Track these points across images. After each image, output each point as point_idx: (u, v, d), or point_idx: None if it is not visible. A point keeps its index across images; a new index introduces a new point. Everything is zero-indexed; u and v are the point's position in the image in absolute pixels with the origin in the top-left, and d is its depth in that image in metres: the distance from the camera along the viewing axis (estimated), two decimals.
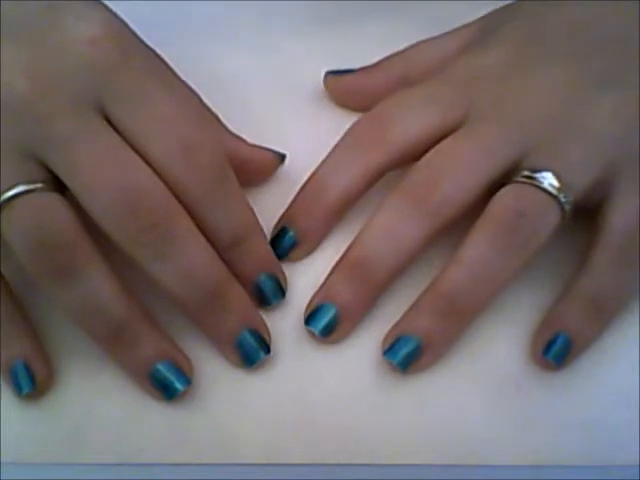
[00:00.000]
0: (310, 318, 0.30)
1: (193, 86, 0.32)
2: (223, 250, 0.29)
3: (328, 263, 0.31)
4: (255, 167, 0.33)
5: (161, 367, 0.28)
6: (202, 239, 0.28)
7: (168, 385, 0.28)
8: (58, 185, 0.27)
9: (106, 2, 0.29)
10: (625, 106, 0.30)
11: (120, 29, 0.29)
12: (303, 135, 0.35)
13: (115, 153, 0.27)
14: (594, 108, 0.30)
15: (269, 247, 0.31)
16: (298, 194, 0.32)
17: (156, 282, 0.28)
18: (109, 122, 0.28)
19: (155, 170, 0.27)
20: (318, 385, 0.29)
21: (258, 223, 0.30)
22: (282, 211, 0.32)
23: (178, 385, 0.28)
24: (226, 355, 0.29)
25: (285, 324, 0.30)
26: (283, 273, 0.31)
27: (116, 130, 0.28)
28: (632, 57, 0.31)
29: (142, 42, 0.30)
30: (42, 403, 0.29)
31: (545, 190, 0.28)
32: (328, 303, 0.29)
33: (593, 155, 0.29)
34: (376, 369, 0.29)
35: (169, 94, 0.28)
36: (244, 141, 0.33)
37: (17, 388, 0.28)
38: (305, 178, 0.32)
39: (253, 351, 0.29)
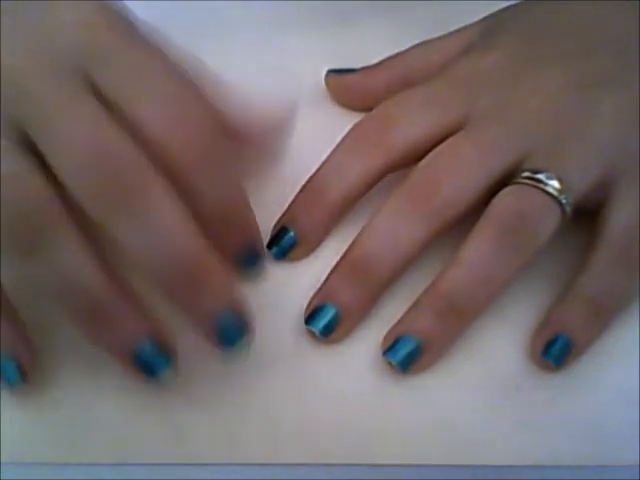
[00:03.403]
0: (310, 318, 0.30)
1: None
2: (209, 222, 0.27)
3: (328, 263, 0.31)
4: (264, 128, 0.31)
5: (142, 346, 0.26)
6: (181, 207, 0.26)
7: (151, 365, 0.27)
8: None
9: None
10: (626, 107, 0.30)
11: (113, 5, 0.28)
12: (303, 135, 0.35)
13: (91, 113, 0.25)
14: (595, 109, 0.30)
15: (254, 219, 0.29)
16: (298, 194, 0.32)
17: (129, 254, 0.25)
18: (97, 91, 0.26)
19: (145, 137, 0.26)
20: (318, 385, 0.29)
21: (244, 192, 0.28)
22: (282, 211, 0.32)
23: (162, 365, 0.27)
24: (204, 334, 0.27)
25: (285, 324, 0.30)
26: (262, 246, 0.30)
27: (104, 99, 0.26)
28: (633, 58, 0.31)
29: (139, 30, 0.29)
30: (42, 403, 0.29)
31: (546, 192, 0.29)
32: (328, 303, 0.29)
33: (594, 157, 0.29)
34: (376, 369, 0.29)
35: (155, 59, 0.27)
36: (251, 99, 0.30)
37: (4, 380, 0.28)
38: (305, 178, 0.32)
39: (232, 332, 0.27)
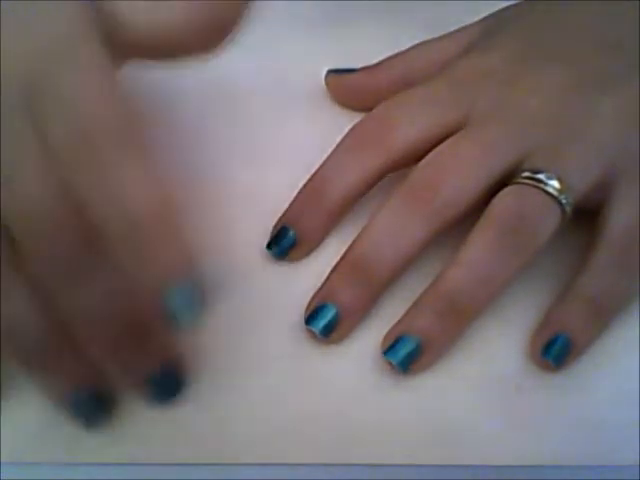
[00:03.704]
0: (310, 318, 0.30)
1: (193, 86, 0.31)
2: (115, 246, 0.23)
3: (328, 263, 0.31)
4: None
5: (80, 398, 0.27)
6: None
7: (88, 415, 0.27)
8: None
9: None
10: (626, 107, 0.30)
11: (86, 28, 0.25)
12: (303, 135, 0.35)
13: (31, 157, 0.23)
14: (595, 109, 0.30)
15: (183, 243, 0.24)
16: (298, 194, 0.32)
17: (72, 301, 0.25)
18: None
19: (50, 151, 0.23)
20: (318, 385, 0.29)
21: (169, 203, 0.23)
22: (282, 211, 0.32)
23: (98, 416, 0.27)
24: (136, 395, 0.27)
25: (285, 324, 0.30)
26: (199, 278, 0.24)
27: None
28: (633, 58, 0.31)
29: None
30: (42, 403, 0.29)
31: (546, 192, 0.29)
32: (328, 303, 0.29)
33: (594, 157, 0.29)
34: (376, 369, 0.29)
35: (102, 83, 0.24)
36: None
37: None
38: (305, 178, 0.32)
39: (164, 392, 0.27)
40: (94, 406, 0.27)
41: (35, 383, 0.27)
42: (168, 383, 0.28)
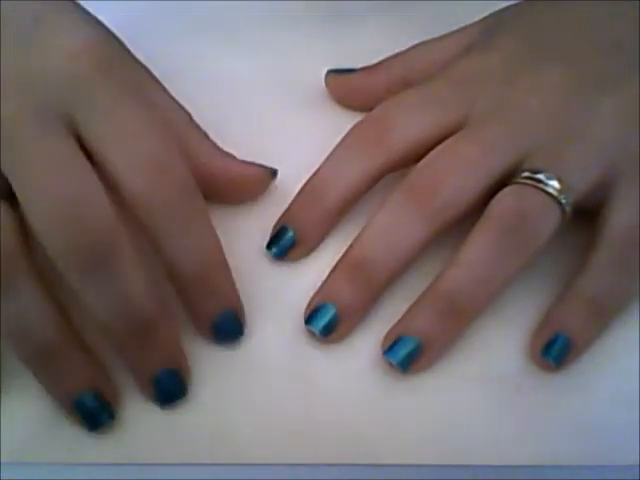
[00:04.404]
0: (310, 318, 0.30)
1: (193, 86, 0.32)
2: (181, 281, 0.28)
3: (328, 263, 0.31)
4: (246, 185, 0.32)
5: (85, 398, 0.27)
6: (140, 268, 0.26)
7: (90, 417, 0.27)
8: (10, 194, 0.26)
9: (106, 3, 0.29)
10: (626, 107, 0.30)
11: (103, 45, 0.28)
12: (303, 135, 0.35)
13: (67, 162, 0.26)
14: (595, 109, 0.30)
15: (232, 281, 0.29)
16: (298, 194, 0.32)
17: (84, 305, 0.27)
18: (78, 139, 0.27)
19: (116, 186, 0.27)
20: (318, 385, 0.29)
21: (222, 253, 0.29)
22: (282, 211, 0.32)
23: (101, 418, 0.28)
24: (141, 391, 0.28)
25: (285, 324, 0.30)
26: (242, 309, 0.29)
27: (84, 147, 0.27)
28: (633, 58, 0.31)
29: (128, 57, 0.30)
30: (42, 403, 0.29)
31: (546, 192, 0.28)
32: (328, 303, 0.29)
33: (594, 157, 0.29)
34: (376, 369, 0.29)
35: (141, 111, 0.28)
36: (234, 158, 0.32)
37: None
38: (305, 178, 0.32)
39: (169, 392, 0.28)
40: (98, 407, 0.27)
41: (40, 382, 0.28)
42: (174, 383, 0.28)
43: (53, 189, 0.26)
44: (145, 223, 0.27)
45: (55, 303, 0.27)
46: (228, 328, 0.29)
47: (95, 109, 0.27)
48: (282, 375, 0.29)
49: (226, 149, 0.31)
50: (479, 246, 0.29)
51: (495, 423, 0.29)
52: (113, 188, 0.27)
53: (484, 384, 0.29)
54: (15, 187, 0.26)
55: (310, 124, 0.35)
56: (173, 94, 0.31)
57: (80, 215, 0.26)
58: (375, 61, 0.35)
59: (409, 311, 0.29)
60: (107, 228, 0.26)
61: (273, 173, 0.32)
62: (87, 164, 0.26)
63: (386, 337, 0.29)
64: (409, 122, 0.31)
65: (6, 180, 0.26)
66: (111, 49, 0.29)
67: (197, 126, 0.31)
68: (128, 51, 0.30)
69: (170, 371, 0.28)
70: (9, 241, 0.26)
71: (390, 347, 0.29)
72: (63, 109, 0.27)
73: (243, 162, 0.32)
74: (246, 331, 0.30)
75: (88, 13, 0.29)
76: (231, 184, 0.31)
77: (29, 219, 0.26)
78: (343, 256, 0.30)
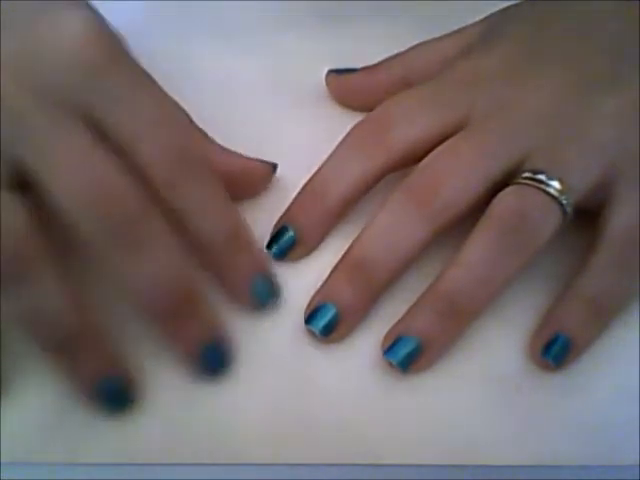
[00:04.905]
0: (310, 318, 0.30)
1: (193, 86, 0.32)
2: (214, 253, 0.29)
3: (328, 263, 0.31)
4: (247, 180, 0.32)
5: (105, 383, 0.28)
6: (174, 243, 0.27)
7: (111, 402, 0.28)
8: (24, 186, 0.27)
9: (106, 3, 0.29)
10: (626, 108, 0.30)
11: (109, 34, 0.28)
12: (304, 135, 0.35)
13: (92, 151, 0.26)
14: (595, 110, 0.30)
15: (259, 249, 0.30)
16: (299, 194, 0.32)
17: (122, 284, 0.27)
18: (94, 126, 0.27)
19: (141, 171, 0.27)
20: (318, 385, 0.29)
21: (245, 224, 0.30)
22: (282, 211, 0.32)
23: (122, 402, 0.28)
24: (188, 364, 0.29)
25: (285, 324, 0.30)
26: (274, 273, 0.30)
27: (102, 132, 0.27)
28: (632, 59, 0.31)
29: (129, 52, 0.30)
30: (42, 403, 0.29)
31: (546, 192, 0.29)
32: (328, 303, 0.29)
33: (595, 158, 0.29)
34: (376, 369, 0.29)
35: (157, 98, 0.28)
36: (234, 153, 0.32)
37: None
38: (305, 178, 0.32)
39: (213, 364, 0.29)
40: (119, 392, 0.28)
41: (60, 369, 0.28)
42: (220, 352, 0.29)
43: (81, 172, 0.26)
44: (171, 207, 0.27)
45: (73, 290, 0.27)
46: (264, 291, 0.30)
47: (109, 98, 0.27)
48: (282, 375, 0.29)
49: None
50: (479, 246, 0.29)
51: (495, 423, 0.29)
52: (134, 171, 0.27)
53: (484, 384, 0.29)
54: (39, 175, 0.26)
55: (310, 124, 0.35)
56: (173, 94, 0.31)
57: (111, 195, 0.26)
58: (375, 61, 0.35)
59: (409, 311, 0.29)
60: (138, 205, 0.26)
61: (273, 168, 0.33)
62: (106, 149, 0.27)
63: (386, 337, 0.29)
64: (409, 122, 0.31)
65: (18, 171, 0.26)
66: (115, 38, 0.29)
67: (196, 125, 0.32)
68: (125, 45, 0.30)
69: (214, 341, 0.29)
70: (25, 230, 0.26)
71: (390, 347, 0.29)
72: (76, 98, 0.27)
73: (244, 157, 0.32)
74: (246, 331, 0.30)
75: (92, 6, 0.29)
76: (233, 179, 0.31)
77: (58, 205, 0.26)
78: (343, 256, 0.30)
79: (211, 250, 0.29)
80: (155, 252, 0.27)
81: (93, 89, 0.27)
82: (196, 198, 0.28)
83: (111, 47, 0.28)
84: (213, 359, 0.29)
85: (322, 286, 0.30)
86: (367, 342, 0.30)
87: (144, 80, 0.28)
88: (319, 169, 0.32)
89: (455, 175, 0.29)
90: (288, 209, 0.32)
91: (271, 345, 0.30)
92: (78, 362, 0.27)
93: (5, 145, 0.26)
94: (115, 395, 0.28)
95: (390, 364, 0.29)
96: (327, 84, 0.36)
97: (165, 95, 0.29)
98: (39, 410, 0.28)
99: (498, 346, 0.30)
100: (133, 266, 0.27)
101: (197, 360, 0.29)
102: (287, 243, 0.31)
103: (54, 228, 0.27)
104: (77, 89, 0.27)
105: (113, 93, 0.27)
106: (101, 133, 0.27)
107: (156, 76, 0.30)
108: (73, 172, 0.26)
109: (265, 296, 0.30)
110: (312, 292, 0.30)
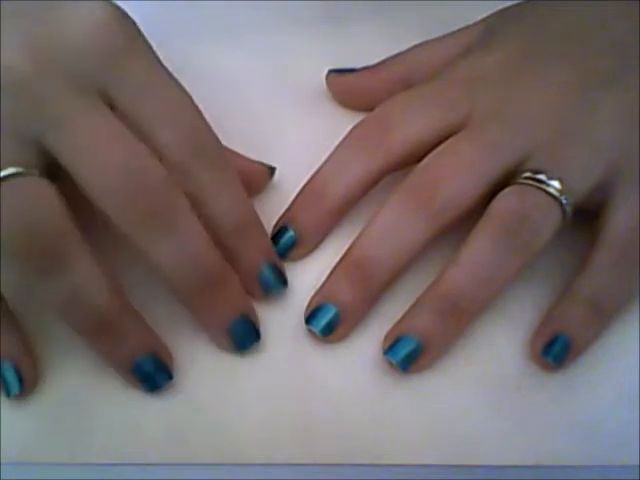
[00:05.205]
0: (310, 317, 0.30)
1: (193, 86, 0.31)
2: (225, 236, 0.29)
3: (328, 263, 0.31)
4: (244, 181, 0.32)
5: (144, 361, 0.28)
6: (200, 224, 0.28)
7: (151, 378, 0.28)
8: (50, 171, 0.27)
9: None
10: (626, 108, 0.30)
11: (128, 19, 0.29)
12: (304, 135, 0.35)
13: (117, 135, 0.27)
14: (596, 110, 0.30)
15: (269, 238, 0.31)
16: (299, 194, 0.32)
17: (154, 266, 0.27)
18: (112, 106, 0.27)
19: (160, 154, 0.27)
20: (318, 385, 0.29)
21: (257, 213, 0.30)
22: (282, 211, 0.32)
23: (160, 379, 0.28)
24: (217, 341, 0.30)
25: (285, 324, 0.30)
26: (281, 263, 0.31)
27: (120, 115, 0.27)
28: (633, 58, 0.31)
29: (145, 38, 0.30)
30: (42, 403, 0.29)
31: (547, 192, 0.29)
32: (328, 303, 0.29)
33: (595, 158, 0.29)
34: (376, 369, 0.29)
35: (174, 83, 0.29)
36: (234, 153, 0.32)
37: (5, 389, 0.28)
38: (305, 178, 0.32)
39: (246, 337, 0.29)
40: (156, 369, 0.28)
41: (97, 351, 0.28)
42: (249, 329, 0.29)
43: (111, 163, 0.26)
44: (188, 188, 0.28)
45: (107, 272, 0.27)
46: (272, 277, 0.30)
47: (129, 79, 0.27)
48: (282, 375, 0.29)
49: None
50: (480, 246, 0.29)
51: (495, 423, 0.29)
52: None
53: (484, 384, 0.29)
54: (68, 164, 0.26)
55: (310, 124, 0.35)
56: None
57: (141, 179, 0.26)
58: (375, 61, 0.35)
59: (409, 311, 0.29)
60: (167, 188, 0.27)
61: (272, 171, 0.33)
62: (132, 134, 0.27)
63: (386, 337, 0.29)
64: (410, 122, 0.31)
65: (45, 154, 0.27)
66: (131, 20, 0.29)
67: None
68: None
69: (244, 317, 0.29)
70: (60, 216, 0.26)
71: (390, 347, 0.29)
72: (96, 80, 0.27)
73: (244, 157, 0.32)
74: None
75: None
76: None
77: (90, 193, 0.26)
78: (343, 256, 0.30)
79: (222, 234, 0.29)
80: (186, 228, 0.27)
81: (113, 72, 0.27)
82: (211, 182, 0.28)
83: (130, 32, 0.28)
84: (245, 332, 0.29)
85: (322, 286, 0.30)
86: (367, 342, 0.30)
87: (161, 65, 0.29)
88: (319, 169, 0.32)
89: (455, 175, 0.29)
90: (288, 209, 0.32)
91: (271, 345, 0.30)
92: (118, 342, 0.28)
93: (29, 129, 0.26)
94: (156, 371, 0.28)
95: (390, 364, 0.29)
96: (327, 84, 0.36)
97: (179, 82, 0.29)
98: (39, 410, 0.28)
99: (498, 346, 0.30)
100: (165, 242, 0.27)
101: (226, 339, 0.29)
102: (287, 243, 0.31)
103: (81, 210, 0.27)
104: (97, 72, 0.27)
105: (133, 76, 0.27)
106: (119, 115, 0.27)
107: None
108: (100, 153, 0.26)
109: (271, 284, 0.30)
110: (312, 292, 0.30)
